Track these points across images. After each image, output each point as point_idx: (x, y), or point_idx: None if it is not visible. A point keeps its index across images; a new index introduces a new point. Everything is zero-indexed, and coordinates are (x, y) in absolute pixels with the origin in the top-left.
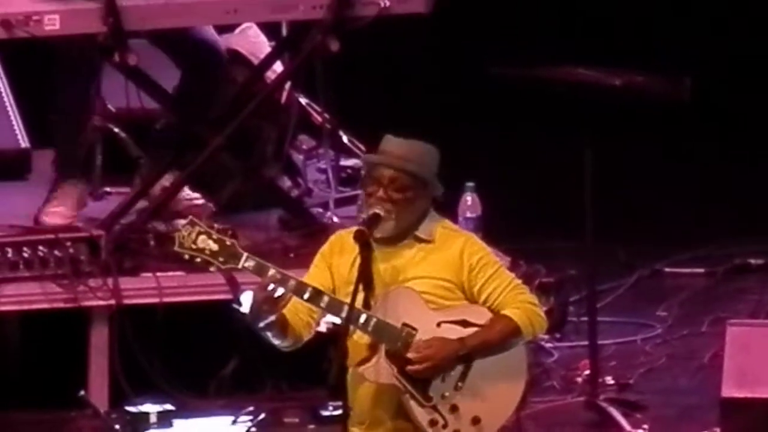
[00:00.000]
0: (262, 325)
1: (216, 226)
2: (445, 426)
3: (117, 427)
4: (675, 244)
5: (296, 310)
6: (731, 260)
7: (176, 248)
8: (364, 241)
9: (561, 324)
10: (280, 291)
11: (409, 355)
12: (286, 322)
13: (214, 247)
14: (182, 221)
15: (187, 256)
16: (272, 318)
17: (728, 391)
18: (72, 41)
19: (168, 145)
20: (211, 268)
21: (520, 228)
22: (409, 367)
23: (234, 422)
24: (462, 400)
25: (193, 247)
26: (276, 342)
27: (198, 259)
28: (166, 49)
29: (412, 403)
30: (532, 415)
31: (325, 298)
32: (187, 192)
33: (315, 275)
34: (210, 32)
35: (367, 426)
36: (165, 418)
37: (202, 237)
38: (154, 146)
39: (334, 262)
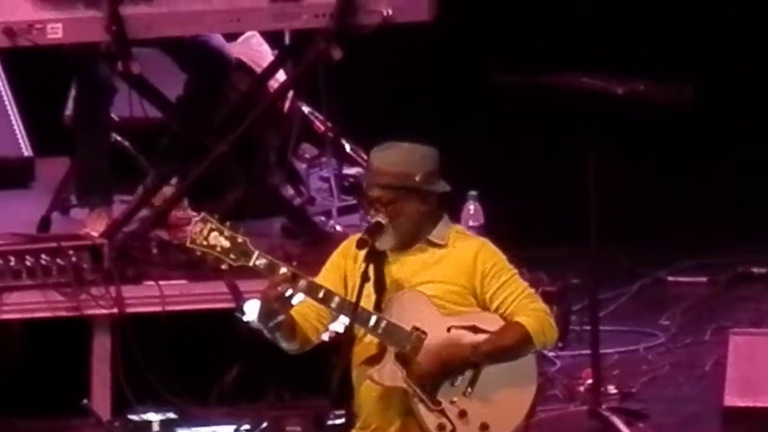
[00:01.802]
0: (271, 324)
1: (228, 224)
2: (453, 431)
3: None
4: (677, 252)
5: (305, 314)
6: (734, 269)
7: (188, 244)
8: (366, 249)
9: (564, 333)
10: (290, 291)
11: (419, 358)
12: (294, 324)
13: (226, 244)
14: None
15: (199, 253)
16: (281, 318)
17: (731, 399)
18: (82, 53)
19: (172, 155)
20: (223, 266)
21: (522, 236)
22: (420, 372)
23: (236, 431)
24: (471, 405)
25: (205, 243)
26: (283, 344)
27: (209, 256)
28: (173, 54)
29: (421, 406)
30: (535, 423)
31: (336, 299)
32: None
33: (326, 278)
34: (217, 38)
35: (373, 430)
36: (167, 427)
37: (214, 234)
38: (157, 156)
39: (349, 266)
